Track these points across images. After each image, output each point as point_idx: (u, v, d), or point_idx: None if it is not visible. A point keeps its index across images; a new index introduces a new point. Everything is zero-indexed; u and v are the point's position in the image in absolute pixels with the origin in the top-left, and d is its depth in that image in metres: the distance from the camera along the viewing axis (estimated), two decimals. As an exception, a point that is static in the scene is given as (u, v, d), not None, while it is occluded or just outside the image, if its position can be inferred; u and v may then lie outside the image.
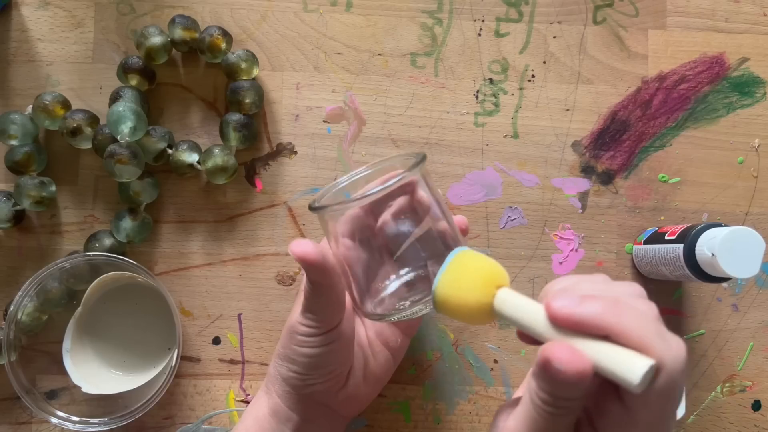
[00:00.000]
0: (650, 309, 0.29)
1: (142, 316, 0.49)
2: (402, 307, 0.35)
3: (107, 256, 0.45)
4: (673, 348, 0.26)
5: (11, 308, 0.45)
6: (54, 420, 0.45)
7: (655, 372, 0.26)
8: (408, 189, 0.36)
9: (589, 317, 0.26)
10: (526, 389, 0.29)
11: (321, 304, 0.38)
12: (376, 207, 0.37)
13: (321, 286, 0.36)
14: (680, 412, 0.39)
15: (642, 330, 0.26)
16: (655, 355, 0.26)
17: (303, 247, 0.34)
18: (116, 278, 0.48)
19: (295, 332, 0.40)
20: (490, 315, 0.29)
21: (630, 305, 0.27)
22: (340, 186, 0.40)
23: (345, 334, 0.40)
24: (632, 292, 0.30)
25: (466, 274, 0.29)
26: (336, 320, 0.39)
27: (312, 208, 0.36)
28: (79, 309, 0.47)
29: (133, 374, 0.48)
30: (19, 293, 0.45)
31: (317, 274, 0.35)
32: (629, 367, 0.25)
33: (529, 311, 0.28)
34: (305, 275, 0.37)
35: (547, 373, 0.26)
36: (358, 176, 0.40)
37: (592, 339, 0.26)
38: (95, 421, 0.45)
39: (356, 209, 0.37)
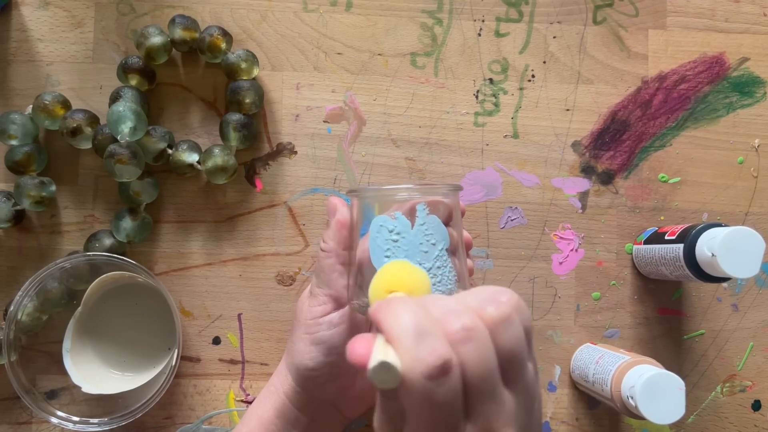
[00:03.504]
0: (449, 315, 0.28)
1: (142, 316, 0.49)
2: None
3: (107, 256, 0.45)
4: (420, 353, 0.26)
5: (11, 308, 0.45)
6: (54, 420, 0.45)
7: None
8: (443, 210, 0.36)
9: (371, 316, 0.29)
10: None
11: (333, 274, 0.39)
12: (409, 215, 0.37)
13: (338, 237, 0.39)
14: (679, 412, 0.39)
15: (393, 330, 0.27)
16: (399, 354, 0.26)
17: (338, 199, 0.41)
18: (116, 278, 0.48)
19: (307, 319, 0.40)
20: None
21: (400, 307, 0.27)
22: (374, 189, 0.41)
23: (354, 317, 0.40)
24: (483, 297, 0.29)
25: (380, 280, 0.32)
26: (343, 294, 0.40)
27: (350, 191, 0.38)
28: (79, 309, 0.47)
29: (133, 374, 0.48)
30: (19, 293, 0.45)
31: (341, 224, 0.39)
32: (372, 360, 0.26)
33: None
34: (323, 243, 0.40)
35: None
36: (395, 188, 0.40)
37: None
38: (95, 421, 0.45)
39: (390, 212, 0.37)
